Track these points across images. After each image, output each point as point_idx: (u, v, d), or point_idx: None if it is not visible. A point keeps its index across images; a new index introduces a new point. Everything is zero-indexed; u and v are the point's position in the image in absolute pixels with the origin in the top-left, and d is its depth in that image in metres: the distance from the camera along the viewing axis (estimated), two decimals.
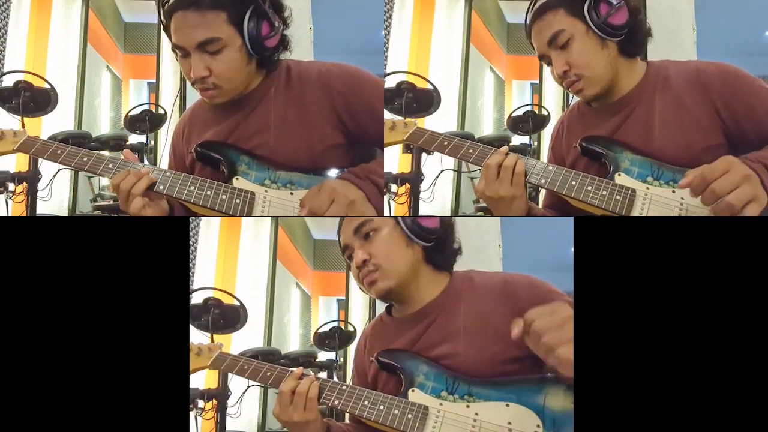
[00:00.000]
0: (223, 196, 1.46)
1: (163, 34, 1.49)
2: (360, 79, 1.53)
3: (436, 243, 1.45)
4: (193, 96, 1.63)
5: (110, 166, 1.46)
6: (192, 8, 1.40)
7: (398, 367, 1.40)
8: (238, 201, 1.46)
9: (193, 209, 1.47)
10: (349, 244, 1.45)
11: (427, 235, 1.44)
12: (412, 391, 1.38)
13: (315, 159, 1.49)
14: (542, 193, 1.61)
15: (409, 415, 1.36)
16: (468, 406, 1.35)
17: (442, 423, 1.35)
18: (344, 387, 1.40)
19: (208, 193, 1.45)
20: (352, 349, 2.68)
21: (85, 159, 1.48)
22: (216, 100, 1.48)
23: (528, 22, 1.49)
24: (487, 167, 1.43)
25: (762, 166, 1.34)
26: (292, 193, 1.47)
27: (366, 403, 1.38)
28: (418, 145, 1.54)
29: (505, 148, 1.45)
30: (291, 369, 1.45)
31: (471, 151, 1.48)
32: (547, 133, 2.77)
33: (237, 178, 1.47)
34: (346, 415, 1.44)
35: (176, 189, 1.45)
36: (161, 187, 1.44)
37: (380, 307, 1.60)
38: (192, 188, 1.45)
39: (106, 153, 2.65)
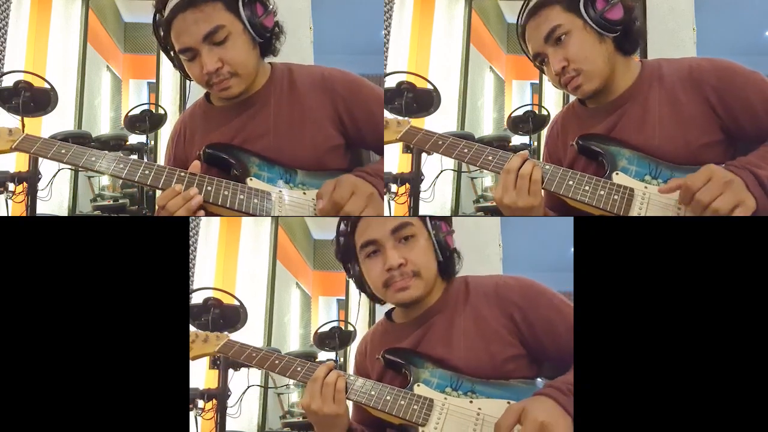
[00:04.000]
0: (241, 196, 1.46)
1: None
2: (360, 85, 1.56)
3: (449, 259, 1.48)
4: (194, 96, 1.63)
5: (96, 159, 1.48)
6: (189, 8, 1.43)
7: (404, 364, 1.43)
8: (255, 201, 1.47)
9: (208, 209, 1.47)
10: (380, 241, 1.43)
11: (446, 252, 1.46)
12: (418, 385, 1.41)
13: (320, 159, 1.51)
14: None
15: (415, 406, 1.38)
16: (471, 402, 1.38)
17: (446, 415, 1.37)
18: (351, 378, 1.42)
19: (226, 193, 1.46)
20: (352, 349, 2.68)
21: (79, 154, 1.48)
22: (233, 90, 1.48)
23: (522, 22, 1.47)
24: (506, 173, 1.41)
25: (748, 172, 1.34)
26: (305, 193, 1.49)
27: (373, 393, 1.41)
28: (413, 145, 1.55)
29: (525, 153, 1.44)
30: (299, 359, 1.47)
31: (466, 150, 1.48)
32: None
33: (251, 179, 1.48)
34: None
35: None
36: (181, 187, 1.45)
37: (380, 309, 1.60)
38: (209, 188, 1.45)
39: (108, 153, 2.65)
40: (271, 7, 1.50)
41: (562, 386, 1.32)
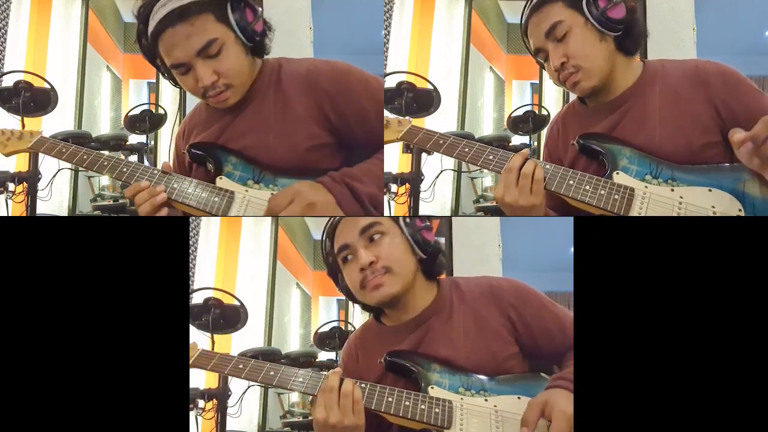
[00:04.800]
0: (204, 194, 1.46)
1: None
2: (349, 77, 1.51)
3: (431, 255, 1.48)
4: (194, 98, 1.63)
5: (105, 164, 1.49)
6: (179, 21, 1.40)
7: (412, 368, 1.41)
8: (216, 199, 1.46)
9: (175, 206, 1.47)
10: (351, 244, 1.44)
11: (426, 248, 1.46)
12: (432, 388, 1.40)
13: (301, 159, 1.47)
14: None
15: (437, 410, 1.37)
16: (486, 400, 1.39)
17: (467, 415, 1.37)
18: (364, 385, 1.38)
19: (189, 190, 1.46)
20: None
21: (85, 157, 1.50)
22: (230, 101, 1.47)
23: (525, 18, 1.48)
24: (507, 171, 1.41)
25: None
26: (273, 194, 1.47)
27: (390, 399, 1.37)
28: (414, 144, 1.54)
29: (526, 151, 1.43)
30: (296, 368, 1.42)
31: (467, 149, 1.48)
32: None
33: (221, 178, 1.48)
34: None
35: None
36: (148, 183, 1.47)
37: None
38: (176, 186, 1.46)
39: (105, 153, 2.66)
40: (260, 11, 1.46)
41: (570, 376, 1.36)
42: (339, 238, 1.46)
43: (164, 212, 1.44)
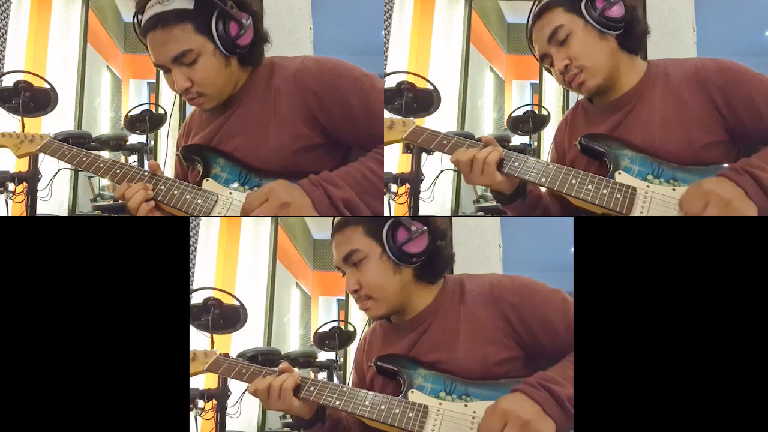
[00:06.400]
0: (187, 196, 1.48)
1: None
2: (336, 74, 1.50)
3: (426, 260, 1.46)
4: None
5: (101, 165, 1.53)
6: (159, 27, 1.42)
7: (397, 372, 1.43)
8: (199, 201, 1.47)
9: (161, 207, 1.48)
10: (341, 267, 1.48)
11: (413, 259, 1.45)
12: (412, 392, 1.41)
13: (289, 161, 1.48)
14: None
15: (410, 414, 1.38)
16: (466, 405, 1.38)
17: (442, 421, 1.37)
18: (344, 389, 1.42)
19: (175, 192, 1.48)
20: (352, 349, 2.68)
21: (84, 159, 1.53)
22: (205, 106, 1.50)
23: (528, 27, 1.50)
24: (456, 164, 1.46)
25: (749, 176, 1.34)
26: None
27: (367, 404, 1.40)
28: (418, 144, 1.55)
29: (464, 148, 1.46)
30: (296, 369, 1.46)
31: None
32: (547, 133, 2.77)
33: (207, 180, 1.49)
34: None
35: None
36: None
37: None
38: (163, 187, 1.48)
39: (105, 153, 2.66)
40: (246, 22, 1.46)
41: (533, 380, 1.35)
42: (334, 258, 1.49)
43: (150, 206, 1.45)
